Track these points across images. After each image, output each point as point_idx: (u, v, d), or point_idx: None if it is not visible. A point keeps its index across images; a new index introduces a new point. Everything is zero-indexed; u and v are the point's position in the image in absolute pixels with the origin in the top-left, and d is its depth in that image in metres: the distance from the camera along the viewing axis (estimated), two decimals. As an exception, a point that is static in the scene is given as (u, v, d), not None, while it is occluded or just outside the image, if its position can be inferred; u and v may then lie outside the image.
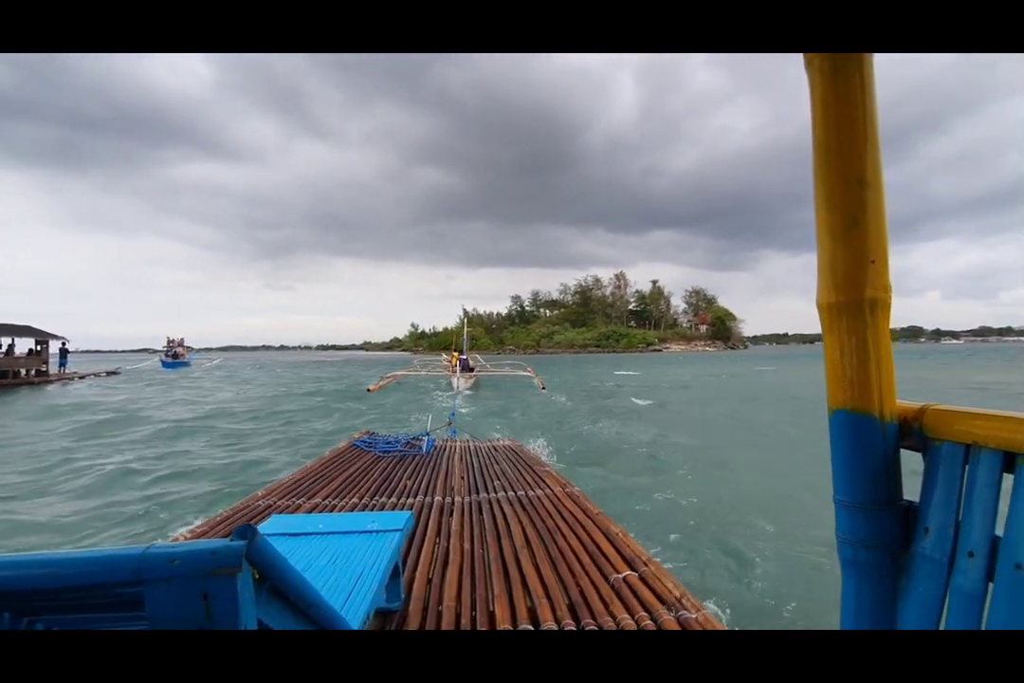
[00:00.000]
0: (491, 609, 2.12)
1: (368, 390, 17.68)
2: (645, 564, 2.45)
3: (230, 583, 0.74)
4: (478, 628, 1.98)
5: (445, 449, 5.67)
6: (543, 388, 18.34)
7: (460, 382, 18.39)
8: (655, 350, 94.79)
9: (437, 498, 3.70)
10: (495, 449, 5.73)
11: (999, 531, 0.68)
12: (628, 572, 2.37)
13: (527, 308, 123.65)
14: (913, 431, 0.80)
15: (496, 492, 3.89)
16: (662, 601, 2.11)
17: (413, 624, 1.99)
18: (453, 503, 3.60)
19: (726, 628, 1.94)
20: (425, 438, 5.79)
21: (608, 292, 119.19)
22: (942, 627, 0.73)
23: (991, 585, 0.68)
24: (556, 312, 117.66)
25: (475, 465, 4.87)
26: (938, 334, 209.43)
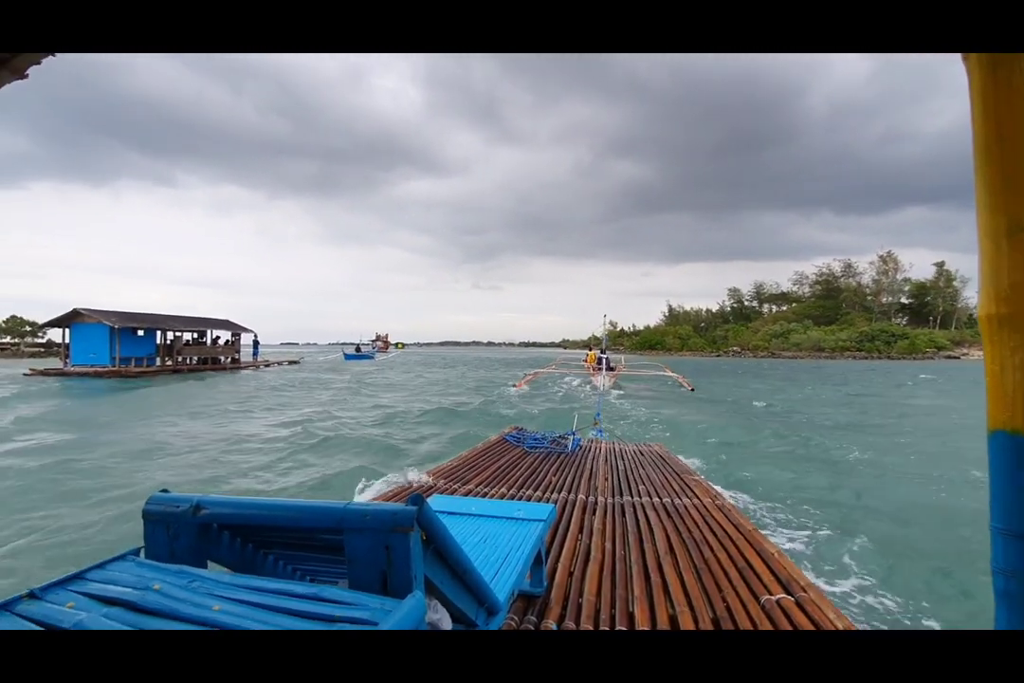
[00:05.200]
0: (630, 610, 2.14)
1: (514, 386, 18.50)
2: (803, 589, 2.25)
3: (405, 540, 0.91)
4: (617, 626, 2.02)
5: (590, 449, 5.73)
6: (692, 389, 17.46)
7: (604, 381, 18.24)
8: (949, 356, 66.58)
9: (580, 496, 3.78)
10: (641, 453, 5.63)
11: None
12: (782, 595, 2.21)
13: (747, 303, 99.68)
14: None
15: (640, 497, 3.85)
16: (822, 632, 1.93)
17: (555, 612, 2.09)
18: (596, 502, 3.65)
19: None
20: (571, 437, 5.91)
21: (866, 280, 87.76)
22: None
23: None
24: (786, 307, 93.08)
25: (620, 467, 4.86)
26: None
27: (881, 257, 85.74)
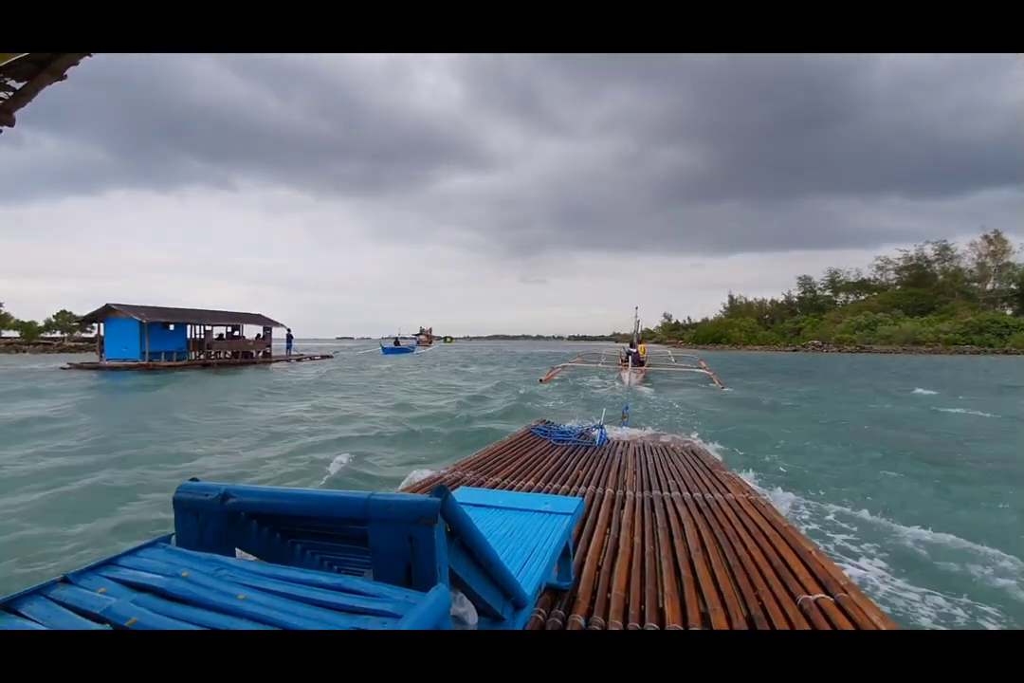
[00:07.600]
0: (660, 606, 2.10)
1: (541, 380, 18.45)
2: (843, 590, 2.16)
3: (429, 531, 0.89)
4: (647, 622, 1.98)
5: (618, 443, 5.66)
6: (722, 385, 17.06)
7: (632, 376, 18.03)
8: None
9: (608, 490, 3.73)
10: (671, 447, 5.54)
11: None
12: (821, 595, 2.12)
13: (820, 292, 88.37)
14: None
15: (670, 491, 3.77)
16: (864, 634, 1.85)
17: (583, 606, 2.06)
18: (624, 497, 3.60)
19: None
20: (598, 431, 5.85)
21: (968, 263, 75.15)
22: None
23: None
24: (866, 296, 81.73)
25: (648, 461, 4.78)
26: None
27: (987, 237, 72.93)
